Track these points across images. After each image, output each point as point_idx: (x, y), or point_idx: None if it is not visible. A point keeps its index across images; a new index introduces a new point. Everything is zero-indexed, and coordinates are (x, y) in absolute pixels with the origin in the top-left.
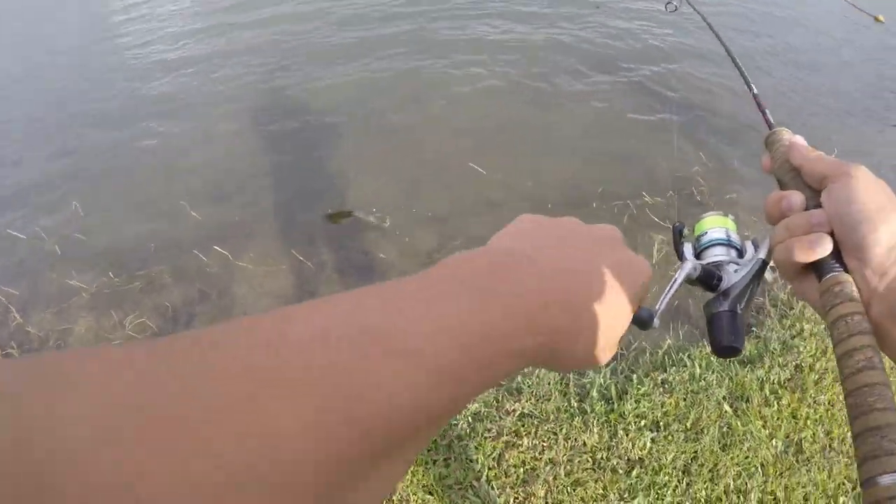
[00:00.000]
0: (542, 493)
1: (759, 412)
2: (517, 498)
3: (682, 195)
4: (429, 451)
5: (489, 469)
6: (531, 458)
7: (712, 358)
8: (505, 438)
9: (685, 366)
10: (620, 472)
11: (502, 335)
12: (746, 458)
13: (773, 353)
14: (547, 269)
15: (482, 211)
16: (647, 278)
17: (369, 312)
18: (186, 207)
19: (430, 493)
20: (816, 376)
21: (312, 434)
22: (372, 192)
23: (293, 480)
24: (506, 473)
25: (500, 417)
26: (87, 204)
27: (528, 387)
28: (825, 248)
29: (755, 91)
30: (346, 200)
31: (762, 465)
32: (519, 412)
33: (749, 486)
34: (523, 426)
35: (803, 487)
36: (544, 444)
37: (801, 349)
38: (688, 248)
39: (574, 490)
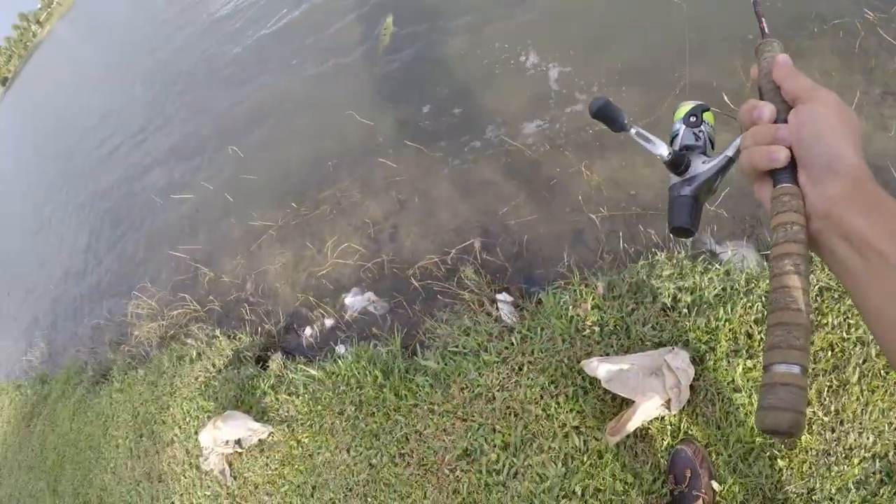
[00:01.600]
0: (855, 377)
1: None
2: (829, 386)
3: None
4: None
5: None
6: (838, 338)
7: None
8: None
9: None
10: None
11: None
12: None
13: None
14: None
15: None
16: None
17: None
18: (355, 116)
19: (737, 391)
20: None
21: None
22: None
23: None
24: (814, 359)
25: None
26: (244, 145)
27: None
28: (780, 161)
29: None
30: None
31: None
32: (818, 286)
33: None
34: (824, 302)
35: None
36: (850, 322)
37: None
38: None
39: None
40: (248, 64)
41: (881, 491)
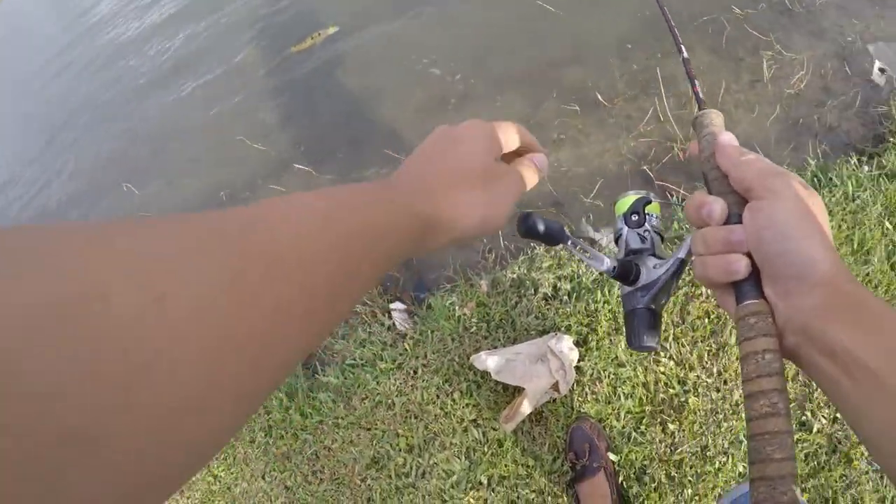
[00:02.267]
0: (732, 339)
1: None
2: (709, 350)
3: (773, 5)
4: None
5: (675, 326)
6: (714, 306)
7: (860, 174)
8: (683, 290)
9: (835, 185)
10: None
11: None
12: None
13: None
14: (414, 175)
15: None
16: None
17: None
18: (245, 142)
19: (622, 366)
20: None
21: None
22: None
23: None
24: (693, 328)
25: None
26: (137, 180)
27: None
28: (740, 273)
29: (685, 55)
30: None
31: None
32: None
33: None
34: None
35: None
36: None
37: None
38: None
39: None
40: (139, 97)
41: None
